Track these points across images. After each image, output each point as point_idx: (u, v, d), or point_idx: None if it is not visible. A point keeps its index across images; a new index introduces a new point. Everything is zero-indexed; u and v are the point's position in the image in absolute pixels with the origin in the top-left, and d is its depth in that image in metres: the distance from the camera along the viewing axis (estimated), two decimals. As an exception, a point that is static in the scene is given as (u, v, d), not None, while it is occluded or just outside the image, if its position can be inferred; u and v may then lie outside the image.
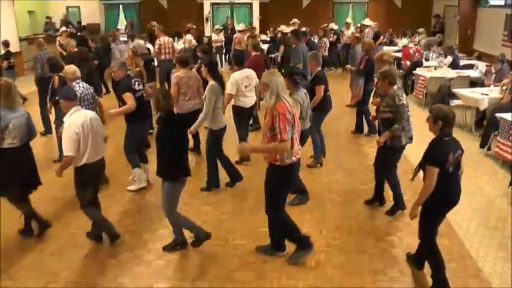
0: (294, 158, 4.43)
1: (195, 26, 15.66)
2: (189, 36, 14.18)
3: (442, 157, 4.06)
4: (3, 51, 11.88)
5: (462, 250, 5.09)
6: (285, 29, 14.31)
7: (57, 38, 13.70)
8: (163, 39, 11.39)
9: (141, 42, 9.73)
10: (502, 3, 14.13)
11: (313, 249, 4.79)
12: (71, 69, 6.15)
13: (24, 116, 5.05)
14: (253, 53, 8.93)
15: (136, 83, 6.44)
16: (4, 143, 4.85)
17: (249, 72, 7.43)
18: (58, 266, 4.79)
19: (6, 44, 11.80)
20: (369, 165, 7.08)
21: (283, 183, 4.58)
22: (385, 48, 15.52)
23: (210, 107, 6.13)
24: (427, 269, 4.62)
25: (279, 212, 4.68)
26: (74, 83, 6.02)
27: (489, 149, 7.97)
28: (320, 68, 7.21)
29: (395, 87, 5.43)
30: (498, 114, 7.56)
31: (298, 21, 15.39)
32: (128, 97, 6.17)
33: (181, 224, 4.98)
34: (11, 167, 4.93)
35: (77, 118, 4.72)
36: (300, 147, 4.69)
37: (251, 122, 8.53)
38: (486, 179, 6.94)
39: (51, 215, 5.80)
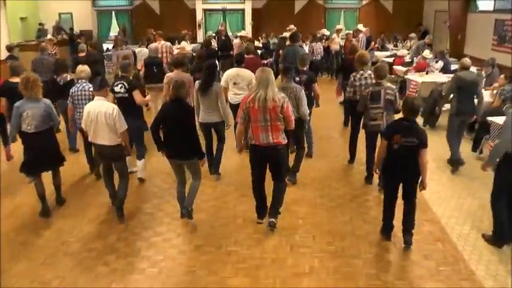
0: (254, 141, 5.26)
1: (190, 32, 15.68)
2: (183, 43, 14.16)
3: (389, 133, 5.03)
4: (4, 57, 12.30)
5: (456, 253, 5.10)
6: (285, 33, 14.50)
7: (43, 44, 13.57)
8: (165, 43, 11.64)
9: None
10: (491, 8, 14.25)
11: None
12: (78, 69, 7.04)
13: (43, 108, 5.65)
14: (246, 56, 8.97)
15: (119, 85, 6.70)
16: (22, 127, 5.64)
17: (242, 71, 7.71)
18: (49, 274, 4.74)
19: (9, 48, 12.23)
20: (361, 169, 7.09)
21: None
22: (377, 53, 15.64)
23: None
24: (423, 273, 4.62)
25: (252, 184, 5.56)
26: (81, 81, 6.87)
27: (481, 152, 8.02)
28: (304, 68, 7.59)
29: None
30: (489, 118, 7.61)
31: (295, 28, 15.44)
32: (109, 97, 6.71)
33: None
34: (27, 148, 5.78)
35: (90, 105, 5.62)
36: (269, 135, 5.17)
37: None
38: (478, 182, 6.96)
39: (43, 223, 5.78)
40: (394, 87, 6.56)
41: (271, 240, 5.33)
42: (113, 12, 20.75)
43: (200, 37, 19.46)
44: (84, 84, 6.78)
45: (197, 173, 5.68)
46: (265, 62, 15.06)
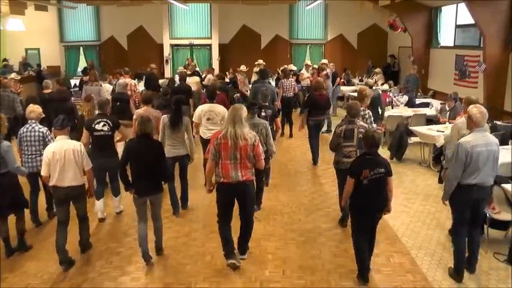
0: (222, 179, 5.15)
1: (156, 67, 15.71)
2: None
3: (356, 170, 4.96)
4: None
5: (426, 284, 5.10)
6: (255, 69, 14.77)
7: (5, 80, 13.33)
8: (130, 80, 11.58)
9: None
10: (452, 44, 14.81)
11: None
12: (28, 109, 6.52)
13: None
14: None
15: (101, 123, 6.65)
16: None
17: (216, 107, 7.77)
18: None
19: None
20: (331, 203, 7.09)
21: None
22: (343, 88, 15.95)
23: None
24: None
25: (218, 224, 5.39)
26: (30, 122, 6.42)
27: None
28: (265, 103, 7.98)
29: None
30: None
31: (264, 63, 15.65)
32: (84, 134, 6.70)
33: None
34: None
35: (54, 146, 5.37)
36: (239, 172, 5.12)
37: None
38: (446, 214, 7.01)
39: (7, 265, 5.52)
40: (366, 125, 6.56)
41: (240, 276, 5.21)
42: (81, 48, 20.64)
43: (168, 72, 19.52)
44: (34, 125, 6.38)
45: (160, 210, 5.65)
46: (234, 97, 15.20)
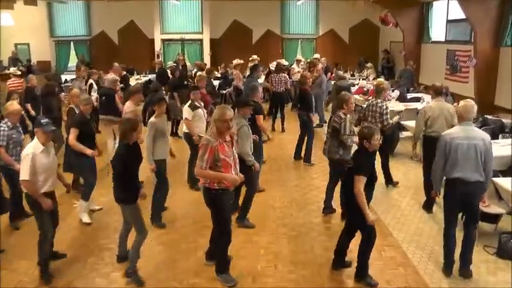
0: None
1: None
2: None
3: (368, 168, 4.77)
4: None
5: (417, 278, 5.13)
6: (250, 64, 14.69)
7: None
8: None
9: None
10: (443, 39, 14.86)
11: None
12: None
13: None
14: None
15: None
16: None
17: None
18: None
19: None
20: (322, 198, 7.09)
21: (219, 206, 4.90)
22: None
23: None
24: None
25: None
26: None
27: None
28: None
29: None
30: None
31: (258, 58, 15.58)
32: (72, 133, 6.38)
33: None
34: None
35: (33, 148, 4.94)
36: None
37: None
38: (437, 207, 7.08)
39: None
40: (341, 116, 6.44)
41: (232, 271, 5.18)
42: (72, 43, 20.47)
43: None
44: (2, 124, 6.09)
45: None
46: (224, 92, 15.18)
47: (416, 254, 5.64)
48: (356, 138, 5.92)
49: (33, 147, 4.92)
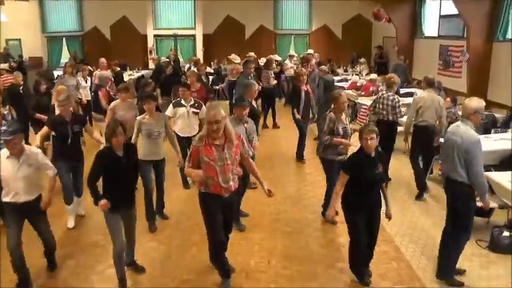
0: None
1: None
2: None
3: (351, 167, 4.69)
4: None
5: (410, 272, 5.16)
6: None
7: None
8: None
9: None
10: (436, 34, 14.89)
11: None
12: None
13: None
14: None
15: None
16: None
17: None
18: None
19: None
20: (317, 193, 7.11)
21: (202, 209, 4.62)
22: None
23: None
24: None
25: None
26: None
27: (431, 172, 8.21)
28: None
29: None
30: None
31: (255, 56, 15.48)
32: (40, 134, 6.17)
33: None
34: None
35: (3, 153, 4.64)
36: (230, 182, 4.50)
37: None
38: (431, 201, 7.13)
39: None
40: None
41: (226, 266, 5.20)
42: (64, 39, 20.31)
43: (151, 63, 19.33)
44: None
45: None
46: (217, 87, 15.14)
47: (409, 248, 5.67)
48: (337, 138, 5.99)
49: (3, 152, 4.66)
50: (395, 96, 7.57)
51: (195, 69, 11.65)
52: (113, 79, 10.78)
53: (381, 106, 7.65)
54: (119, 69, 13.91)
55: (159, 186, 6.43)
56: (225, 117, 4.34)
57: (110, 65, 13.21)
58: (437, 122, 7.30)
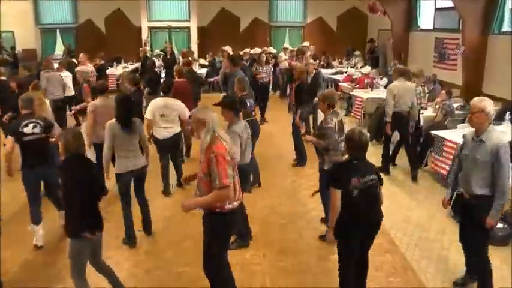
0: (235, 202, 3.92)
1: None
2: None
3: (344, 180, 3.91)
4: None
5: (405, 264, 5.18)
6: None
7: None
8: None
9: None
10: (431, 27, 14.88)
11: None
12: None
13: None
14: (176, 79, 8.37)
15: (30, 124, 5.40)
16: None
17: (169, 101, 6.93)
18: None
19: None
20: (310, 185, 7.09)
21: (222, 233, 4.03)
22: (323, 70, 15.89)
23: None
24: (373, 285, 4.63)
25: (219, 267, 4.19)
26: None
27: (426, 165, 8.24)
28: (245, 93, 6.93)
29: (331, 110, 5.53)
30: (433, 132, 7.83)
31: (250, 51, 15.38)
32: (7, 141, 5.50)
33: None
34: None
35: None
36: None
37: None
38: (425, 194, 7.15)
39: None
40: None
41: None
42: (57, 31, 20.15)
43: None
44: None
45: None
46: (212, 79, 15.11)
47: (404, 241, 5.69)
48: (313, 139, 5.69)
49: None
50: (419, 87, 8.19)
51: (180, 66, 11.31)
52: (94, 73, 10.81)
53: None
54: (103, 62, 13.73)
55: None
56: (202, 122, 3.80)
57: (95, 58, 13.13)
58: (410, 108, 7.75)
